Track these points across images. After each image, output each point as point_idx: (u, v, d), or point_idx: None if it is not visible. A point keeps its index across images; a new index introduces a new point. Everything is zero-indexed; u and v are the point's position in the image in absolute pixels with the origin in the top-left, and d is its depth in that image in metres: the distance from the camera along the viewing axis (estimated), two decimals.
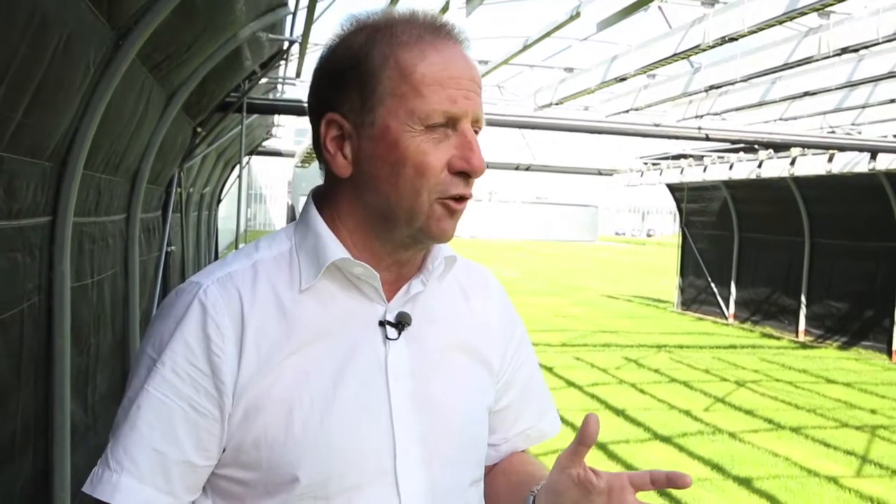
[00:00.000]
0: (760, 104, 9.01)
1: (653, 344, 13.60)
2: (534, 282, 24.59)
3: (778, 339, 14.79)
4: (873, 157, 11.24)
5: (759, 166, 13.59)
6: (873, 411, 9.18)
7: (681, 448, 7.43)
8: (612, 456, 7.02)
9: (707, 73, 8.08)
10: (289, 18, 6.00)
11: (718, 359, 12.35)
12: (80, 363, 3.93)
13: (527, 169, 17.15)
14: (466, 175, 1.20)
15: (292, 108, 9.39)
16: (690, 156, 15.46)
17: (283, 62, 7.98)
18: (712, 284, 17.41)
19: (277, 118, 14.62)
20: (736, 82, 7.75)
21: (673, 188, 18.30)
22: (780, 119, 10.26)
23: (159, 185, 6.56)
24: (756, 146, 12.53)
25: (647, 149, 17.50)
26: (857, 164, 11.70)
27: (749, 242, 16.41)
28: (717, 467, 6.86)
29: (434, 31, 1.21)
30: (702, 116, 9.96)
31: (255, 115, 9.88)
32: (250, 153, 16.03)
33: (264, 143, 16.97)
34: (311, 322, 1.20)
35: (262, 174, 48.53)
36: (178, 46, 4.39)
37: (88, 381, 4.18)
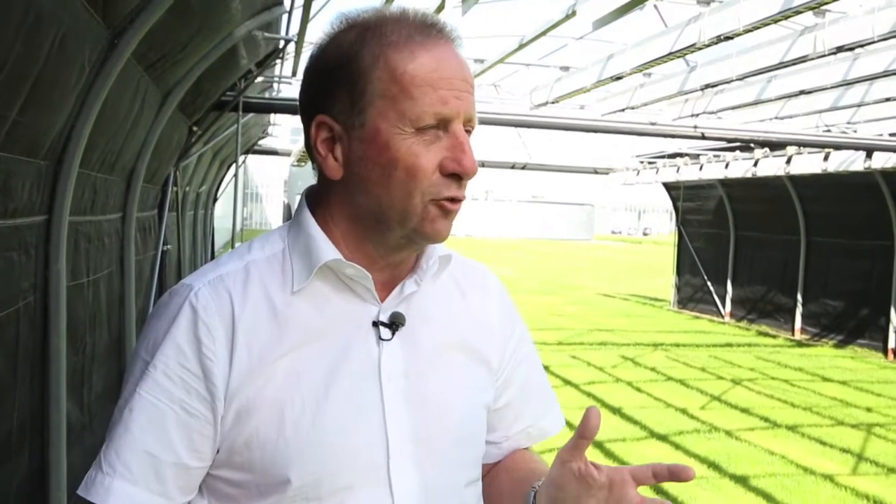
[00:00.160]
0: (756, 103, 9.01)
1: (649, 342, 13.62)
2: (530, 280, 24.60)
3: (774, 337, 14.82)
4: (869, 155, 11.25)
5: (755, 165, 13.60)
6: (869, 409, 9.20)
7: (677, 446, 7.44)
8: (609, 454, 7.03)
9: (703, 71, 8.08)
10: (284, 17, 5.99)
11: (715, 357, 12.37)
12: (75, 362, 3.92)
13: (523, 168, 17.14)
14: (459, 177, 1.18)
15: (288, 107, 9.39)
16: (686, 154, 15.47)
17: (278, 61, 7.98)
18: (708, 283, 17.44)
19: (273, 117, 14.60)
20: (732, 81, 7.75)
21: (669, 187, 18.32)
22: (776, 118, 10.26)
23: (155, 183, 6.55)
24: (752, 145, 12.54)
25: (643, 147, 17.51)
26: (853, 162, 11.72)
27: (745, 241, 16.43)
28: (713, 465, 6.87)
29: (425, 30, 1.19)
30: (698, 115, 9.96)
31: (250, 114, 9.85)
32: (246, 152, 16.02)
33: (260, 142, 16.94)
34: (304, 323, 1.20)
35: (259, 173, 48.44)
36: (174, 45, 4.38)
37: (84, 381, 4.17)
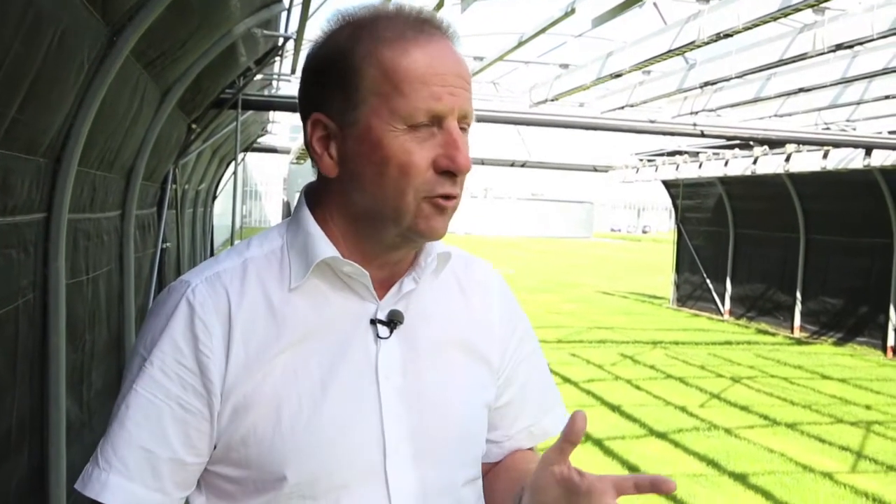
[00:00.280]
0: (755, 100, 9.01)
1: (648, 340, 13.63)
2: (529, 278, 24.60)
3: (773, 335, 14.82)
4: (868, 153, 11.25)
5: (755, 163, 13.59)
6: (868, 407, 9.21)
7: (676, 444, 7.45)
8: (608, 452, 7.03)
9: (702, 69, 8.08)
10: (283, 14, 6.00)
11: (714, 355, 12.37)
12: (75, 360, 3.92)
13: (522, 165, 17.13)
14: (453, 174, 1.16)
15: (287, 105, 9.38)
16: (686, 152, 15.47)
17: (278, 58, 7.97)
18: (708, 281, 17.44)
19: (272, 114, 14.61)
20: (731, 79, 7.75)
21: (668, 184, 18.32)
22: (775, 115, 10.26)
23: (154, 181, 6.54)
24: (751, 142, 12.54)
25: (642, 145, 17.49)
26: (852, 160, 11.71)
27: (744, 239, 16.43)
28: (712, 463, 6.87)
29: (418, 26, 1.18)
30: (697, 113, 9.95)
31: (250, 112, 9.87)
32: (245, 150, 16.02)
33: (259, 140, 16.94)
34: (302, 321, 1.20)
35: (258, 171, 48.40)
36: (173, 43, 4.38)
37: (84, 378, 4.18)
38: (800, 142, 11.31)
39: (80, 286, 4.02)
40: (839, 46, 6.16)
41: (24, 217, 2.99)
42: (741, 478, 6.54)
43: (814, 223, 14.44)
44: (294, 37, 6.54)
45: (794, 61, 6.80)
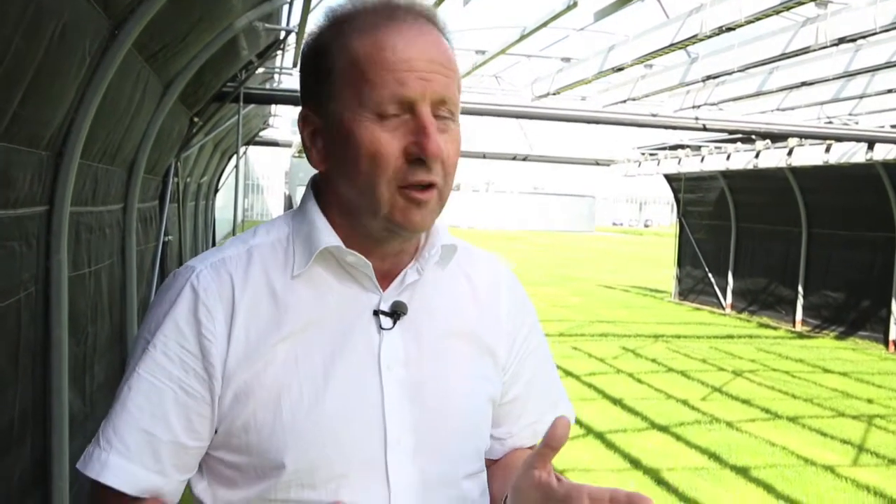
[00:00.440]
0: (758, 94, 9.00)
1: (650, 334, 13.63)
2: (531, 272, 24.60)
3: (775, 328, 14.82)
4: (870, 147, 11.24)
5: (757, 156, 13.58)
6: (870, 401, 9.21)
7: (678, 437, 7.46)
8: (610, 445, 7.04)
9: (704, 62, 8.07)
10: (285, 8, 5.98)
11: (715, 349, 12.38)
12: (77, 353, 3.93)
13: (524, 159, 17.11)
14: (424, 161, 1.14)
15: (289, 98, 9.37)
16: (688, 146, 15.46)
17: (279, 52, 7.97)
18: (709, 274, 17.44)
19: (274, 108, 14.59)
20: (733, 72, 7.73)
21: (670, 178, 18.30)
22: (778, 109, 10.25)
23: (156, 174, 6.54)
24: (753, 136, 12.52)
25: (644, 139, 17.50)
26: (855, 154, 11.70)
27: (746, 232, 16.42)
28: (714, 456, 6.88)
29: (390, 14, 1.17)
30: (699, 106, 9.94)
31: (251, 105, 9.85)
32: (247, 143, 16.01)
33: (261, 133, 16.94)
34: (305, 309, 1.20)
35: (259, 164, 48.46)
36: (175, 36, 4.38)
37: (86, 371, 4.19)
38: (802, 136, 11.30)
39: (82, 279, 4.02)
40: (842, 40, 6.15)
41: (26, 210, 3.00)
42: (743, 471, 6.55)
43: (816, 217, 14.43)
44: (296, 30, 6.53)
45: (796, 55, 6.79)
